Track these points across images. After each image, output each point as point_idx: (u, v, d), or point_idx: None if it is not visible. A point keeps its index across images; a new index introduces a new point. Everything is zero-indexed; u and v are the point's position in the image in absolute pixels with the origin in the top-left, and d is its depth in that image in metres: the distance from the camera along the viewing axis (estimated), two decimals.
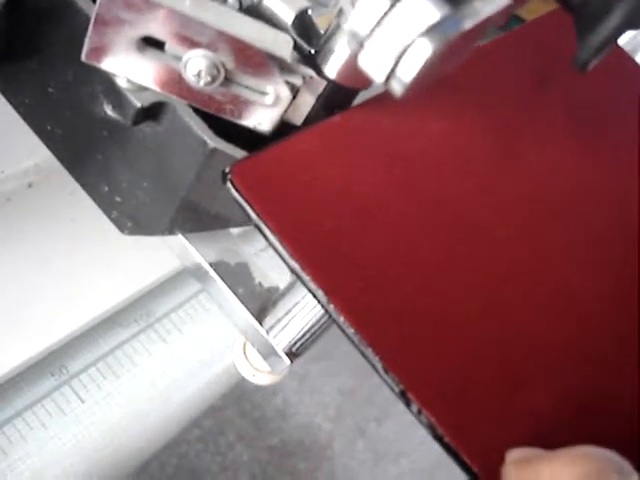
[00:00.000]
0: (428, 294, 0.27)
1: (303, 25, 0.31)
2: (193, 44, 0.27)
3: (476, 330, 0.27)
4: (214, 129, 0.29)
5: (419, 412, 0.24)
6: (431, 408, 0.24)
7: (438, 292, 0.28)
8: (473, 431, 0.25)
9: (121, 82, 0.29)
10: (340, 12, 0.27)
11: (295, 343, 0.35)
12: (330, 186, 0.28)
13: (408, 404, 0.24)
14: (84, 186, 0.35)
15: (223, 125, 0.30)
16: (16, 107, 0.34)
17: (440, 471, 1.31)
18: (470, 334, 0.27)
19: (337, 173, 0.29)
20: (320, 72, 0.30)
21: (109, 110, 0.31)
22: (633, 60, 0.43)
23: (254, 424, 1.24)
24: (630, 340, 0.30)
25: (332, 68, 0.30)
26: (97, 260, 0.46)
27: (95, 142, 0.33)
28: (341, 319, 0.25)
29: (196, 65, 0.27)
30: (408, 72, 0.25)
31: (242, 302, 0.35)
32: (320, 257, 0.26)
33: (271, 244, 0.26)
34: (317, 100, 0.30)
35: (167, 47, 0.27)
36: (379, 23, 0.25)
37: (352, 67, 0.28)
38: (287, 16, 0.31)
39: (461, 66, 0.29)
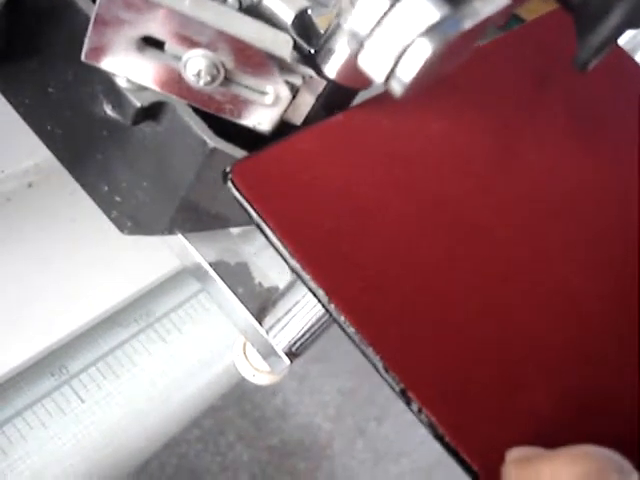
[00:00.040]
0: (428, 294, 0.27)
1: (303, 25, 0.31)
2: (193, 44, 0.27)
3: (476, 330, 0.27)
4: (214, 129, 0.29)
5: (419, 411, 0.24)
6: (431, 407, 0.24)
7: (438, 292, 0.28)
8: (473, 430, 0.25)
9: (121, 82, 0.29)
10: (340, 12, 0.27)
11: (295, 343, 0.35)
12: (330, 186, 0.28)
13: (408, 403, 0.24)
14: (84, 186, 0.35)
15: (223, 125, 0.30)
16: (16, 107, 0.34)
17: (440, 471, 1.31)
18: (470, 334, 0.27)
19: (337, 173, 0.29)
20: (320, 72, 0.30)
21: (109, 110, 0.31)
22: (633, 60, 0.43)
23: (254, 424, 1.24)
24: (630, 340, 0.30)
25: (332, 68, 0.30)
26: (97, 260, 0.46)
27: (95, 142, 0.33)
28: (342, 318, 0.25)
29: (196, 65, 0.27)
30: (408, 72, 0.25)
31: (242, 302, 0.36)
32: (321, 256, 0.26)
33: (272, 243, 0.26)
34: (317, 100, 0.30)
35: (167, 47, 0.27)
36: (379, 23, 0.25)
37: (352, 67, 0.28)
38: (287, 16, 0.31)
39: (461, 66, 0.29)
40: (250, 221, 0.26)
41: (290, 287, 0.37)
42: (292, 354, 0.35)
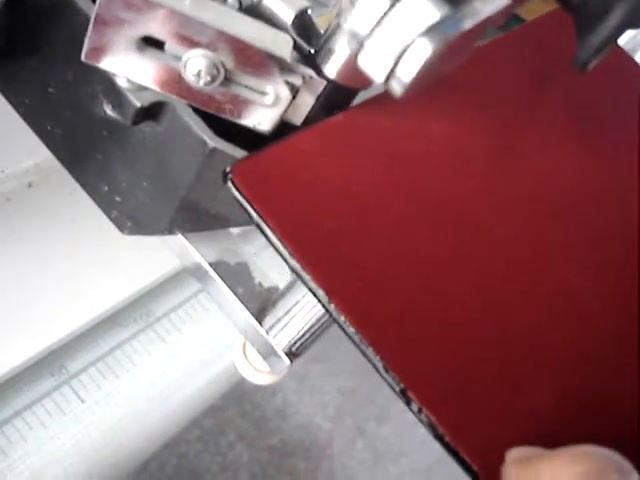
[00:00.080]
0: (428, 293, 0.27)
1: (303, 25, 0.31)
2: (193, 44, 0.27)
3: (476, 330, 0.27)
4: (214, 129, 0.29)
5: (419, 411, 0.24)
6: (431, 407, 0.24)
7: (438, 291, 0.28)
8: (473, 430, 0.25)
9: (121, 82, 0.29)
10: (340, 12, 0.27)
11: (295, 343, 0.35)
12: (330, 186, 0.28)
13: (408, 403, 0.24)
14: (84, 186, 0.35)
15: (223, 125, 0.30)
16: (16, 107, 0.34)
17: (440, 471, 1.31)
18: (470, 333, 0.27)
19: (337, 173, 0.29)
20: (320, 72, 0.30)
21: (109, 110, 0.31)
22: (633, 60, 0.43)
23: (254, 424, 1.24)
24: (630, 340, 0.30)
25: (332, 68, 0.30)
26: (97, 260, 0.46)
27: (95, 142, 0.33)
28: (342, 318, 0.25)
29: (196, 65, 0.27)
30: (408, 72, 0.25)
31: (242, 302, 0.36)
32: (321, 256, 0.26)
33: (272, 243, 0.26)
34: (317, 100, 0.30)
35: (167, 47, 0.27)
36: (379, 23, 0.25)
37: (352, 67, 0.28)
38: (287, 16, 0.31)
39: (461, 66, 0.29)
40: (250, 221, 0.26)
41: (290, 287, 0.37)
42: (292, 354, 0.35)
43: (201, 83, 0.28)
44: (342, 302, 0.25)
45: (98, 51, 0.27)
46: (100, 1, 0.26)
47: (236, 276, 0.37)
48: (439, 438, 0.24)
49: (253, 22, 0.28)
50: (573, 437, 0.22)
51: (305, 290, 0.26)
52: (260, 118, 0.30)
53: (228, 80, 0.28)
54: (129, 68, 0.28)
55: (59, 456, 0.42)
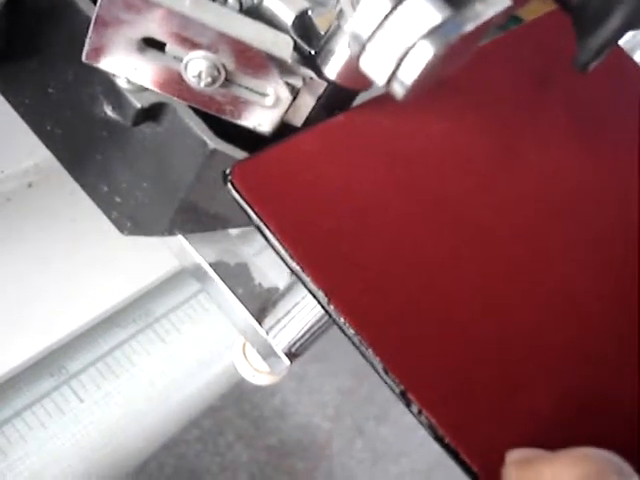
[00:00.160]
0: (428, 294, 0.27)
1: (303, 26, 0.31)
2: (193, 45, 0.27)
3: (476, 330, 0.27)
4: (214, 130, 0.29)
5: (419, 413, 0.24)
6: (431, 409, 0.24)
7: (438, 292, 0.28)
8: (473, 431, 0.25)
9: (121, 83, 0.29)
10: (341, 13, 0.27)
11: (294, 343, 0.35)
12: (331, 187, 0.28)
13: (408, 405, 0.24)
14: (84, 186, 0.35)
15: (223, 126, 0.30)
16: (16, 107, 0.34)
17: (440, 471, 1.31)
18: (470, 334, 0.27)
19: (337, 174, 0.29)
20: (320, 73, 0.30)
21: (109, 111, 0.31)
22: (633, 60, 0.43)
23: (253, 424, 1.24)
24: (630, 340, 0.30)
25: (332, 69, 0.30)
26: (96, 260, 0.46)
27: (95, 142, 0.33)
28: (341, 320, 0.25)
29: (196, 66, 0.27)
30: (410, 74, 0.25)
31: (242, 302, 0.35)
32: (320, 258, 0.26)
33: (271, 245, 0.26)
34: (317, 101, 0.30)
35: (167, 48, 0.27)
36: (381, 25, 0.25)
37: (352, 68, 0.28)
38: (287, 17, 0.31)
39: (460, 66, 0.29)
40: (250, 222, 0.26)
41: (290, 288, 0.37)
42: (292, 355, 0.35)
43: (202, 84, 0.28)
44: (342, 303, 0.25)
45: (99, 52, 0.27)
46: (101, 2, 0.26)
47: (236, 277, 0.37)
48: (439, 440, 0.24)
49: (253, 23, 0.28)
50: (573, 437, 0.22)
51: (305, 291, 0.26)
52: (260, 119, 0.30)
53: (229, 81, 0.28)
54: (129, 69, 0.28)
55: (58, 456, 0.42)
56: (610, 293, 0.31)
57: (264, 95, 0.29)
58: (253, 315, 0.35)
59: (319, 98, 0.30)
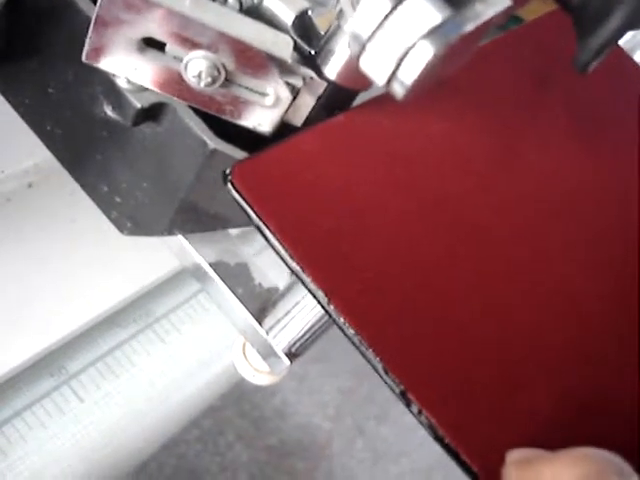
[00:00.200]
0: (428, 294, 0.27)
1: (303, 26, 0.31)
2: (194, 45, 0.27)
3: (476, 330, 0.27)
4: (214, 130, 0.29)
5: (419, 413, 0.24)
6: (431, 409, 0.24)
7: (438, 292, 0.28)
8: (473, 431, 0.25)
9: (121, 83, 0.29)
10: (341, 13, 0.27)
11: (295, 343, 0.35)
12: (330, 187, 0.28)
13: (408, 405, 0.24)
14: (84, 186, 0.35)
15: (223, 126, 0.30)
16: (16, 107, 0.34)
17: (440, 471, 1.31)
18: (470, 334, 0.27)
19: (337, 174, 0.29)
20: (320, 73, 0.30)
21: (109, 111, 0.31)
22: (633, 60, 0.43)
23: (253, 424, 1.24)
24: (630, 340, 0.30)
25: (332, 69, 0.30)
26: (97, 260, 0.46)
27: (95, 142, 0.33)
28: (341, 320, 0.25)
29: (197, 66, 0.27)
30: (410, 74, 0.25)
31: (242, 302, 0.36)
32: (320, 258, 0.26)
33: (271, 245, 0.26)
34: (317, 101, 0.30)
35: (167, 48, 0.27)
36: (381, 25, 0.25)
37: (352, 68, 0.28)
38: (287, 17, 0.31)
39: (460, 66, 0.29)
40: (250, 222, 0.26)
41: (290, 288, 0.37)
42: (292, 354, 0.35)
43: (202, 84, 0.28)
44: (342, 303, 0.25)
45: (99, 52, 0.27)
46: (101, 2, 0.26)
47: (236, 277, 0.37)
48: (439, 440, 0.24)
49: (253, 23, 0.28)
50: (573, 437, 0.22)
51: (305, 291, 0.26)
52: (260, 119, 0.30)
53: (229, 81, 0.28)
54: (129, 69, 0.28)
55: (58, 456, 0.42)
56: (610, 293, 0.31)
57: (264, 95, 0.29)
58: (253, 315, 0.35)
59: (319, 98, 0.30)
